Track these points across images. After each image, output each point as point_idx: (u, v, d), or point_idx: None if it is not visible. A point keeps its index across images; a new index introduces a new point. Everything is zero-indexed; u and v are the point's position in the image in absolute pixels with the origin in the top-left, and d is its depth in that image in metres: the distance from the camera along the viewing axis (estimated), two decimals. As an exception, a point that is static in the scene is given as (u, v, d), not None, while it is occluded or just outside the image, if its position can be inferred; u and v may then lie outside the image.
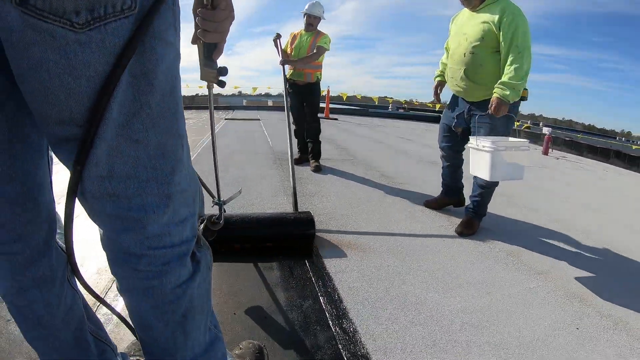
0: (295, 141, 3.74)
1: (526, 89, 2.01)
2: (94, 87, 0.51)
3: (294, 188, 2.24)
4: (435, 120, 13.17)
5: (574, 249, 2.15)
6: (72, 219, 0.61)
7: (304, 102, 3.54)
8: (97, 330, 0.85)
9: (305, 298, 1.44)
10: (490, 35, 1.95)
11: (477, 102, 2.12)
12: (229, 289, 1.48)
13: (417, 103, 17.06)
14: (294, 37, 3.48)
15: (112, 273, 0.67)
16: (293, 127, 3.60)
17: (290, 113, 2.93)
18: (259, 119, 8.46)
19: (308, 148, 3.70)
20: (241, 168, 3.50)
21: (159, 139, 0.58)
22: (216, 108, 15.66)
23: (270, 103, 14.75)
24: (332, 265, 1.71)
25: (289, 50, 3.43)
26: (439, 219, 2.43)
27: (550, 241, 2.23)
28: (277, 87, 15.09)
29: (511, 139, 2.03)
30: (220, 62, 0.76)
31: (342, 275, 1.62)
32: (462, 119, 2.24)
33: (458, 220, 2.31)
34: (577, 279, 1.77)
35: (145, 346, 0.73)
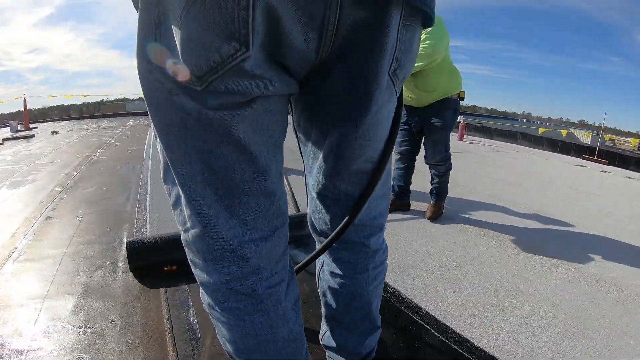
0: None
1: (463, 91, 2.53)
2: (387, 131, 0.71)
3: (291, 191, 2.49)
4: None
5: (511, 216, 2.84)
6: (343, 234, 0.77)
7: None
8: None
9: (347, 277, 1.77)
10: None
11: (428, 106, 2.43)
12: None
13: None
14: None
15: (341, 273, 0.86)
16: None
17: None
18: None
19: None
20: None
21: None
22: (124, 115, 14.33)
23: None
24: (349, 250, 2.05)
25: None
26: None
27: (493, 212, 2.90)
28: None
29: None
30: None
31: (362, 257, 1.98)
32: (415, 122, 2.56)
33: (425, 205, 2.82)
34: (522, 237, 2.40)
35: (347, 326, 0.91)
